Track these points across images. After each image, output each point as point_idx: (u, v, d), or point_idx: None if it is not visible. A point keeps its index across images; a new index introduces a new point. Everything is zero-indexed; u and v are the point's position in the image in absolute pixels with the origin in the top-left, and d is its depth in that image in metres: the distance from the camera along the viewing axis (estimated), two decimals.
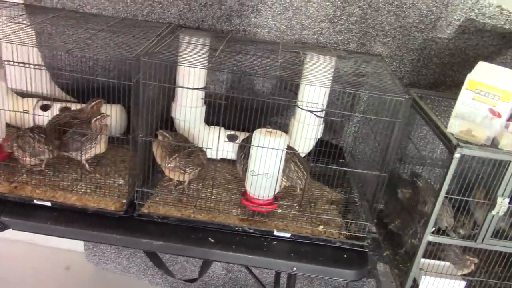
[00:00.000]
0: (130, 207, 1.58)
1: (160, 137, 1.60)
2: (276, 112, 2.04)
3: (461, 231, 1.71)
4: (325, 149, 1.77)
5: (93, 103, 1.75)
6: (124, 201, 1.59)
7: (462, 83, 1.53)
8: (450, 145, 1.40)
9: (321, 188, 1.87)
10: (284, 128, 1.95)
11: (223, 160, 1.93)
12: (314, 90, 1.48)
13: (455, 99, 1.61)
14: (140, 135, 1.45)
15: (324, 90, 1.61)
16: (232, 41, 1.74)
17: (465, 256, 1.60)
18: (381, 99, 1.43)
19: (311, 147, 1.83)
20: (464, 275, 1.62)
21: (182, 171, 1.61)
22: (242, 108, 1.68)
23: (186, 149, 1.64)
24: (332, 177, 1.82)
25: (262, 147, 1.44)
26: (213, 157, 1.84)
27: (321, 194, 1.82)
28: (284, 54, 1.64)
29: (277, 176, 1.52)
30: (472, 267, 1.62)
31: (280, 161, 1.49)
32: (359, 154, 2.02)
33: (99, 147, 1.68)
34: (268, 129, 1.56)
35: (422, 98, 1.82)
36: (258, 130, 1.53)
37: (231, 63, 1.45)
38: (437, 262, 1.62)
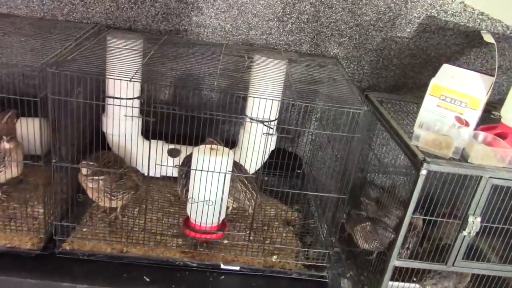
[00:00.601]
0: (50, 242, 1.34)
1: (84, 171, 1.34)
2: (227, 119, 1.82)
3: (425, 244, 1.57)
4: (277, 160, 1.58)
5: (5, 117, 1.48)
6: (42, 236, 1.34)
7: (424, 85, 1.38)
8: (415, 160, 1.23)
9: (276, 206, 1.68)
10: (237, 136, 1.75)
11: (165, 178, 1.70)
12: (260, 101, 1.28)
13: (418, 104, 1.46)
14: (54, 160, 1.21)
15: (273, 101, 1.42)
16: (167, 44, 1.51)
17: None
18: (337, 110, 1.25)
19: (263, 161, 1.63)
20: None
21: (109, 197, 1.37)
22: (188, 116, 1.43)
23: (117, 169, 1.41)
24: (288, 193, 1.64)
25: (201, 170, 1.23)
26: (155, 175, 1.61)
27: (276, 214, 1.63)
28: (227, 58, 1.43)
29: (221, 201, 1.31)
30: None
31: (224, 184, 1.28)
32: (317, 163, 1.84)
33: (10, 171, 1.41)
34: (211, 145, 1.35)
35: (383, 102, 1.67)
36: (198, 148, 1.32)
37: (162, 72, 1.23)
38: (406, 284, 1.46)
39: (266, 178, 1.78)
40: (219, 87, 1.16)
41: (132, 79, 1.13)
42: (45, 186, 1.28)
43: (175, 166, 1.44)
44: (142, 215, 1.48)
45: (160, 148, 1.65)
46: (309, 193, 1.65)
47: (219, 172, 1.23)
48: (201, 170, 1.23)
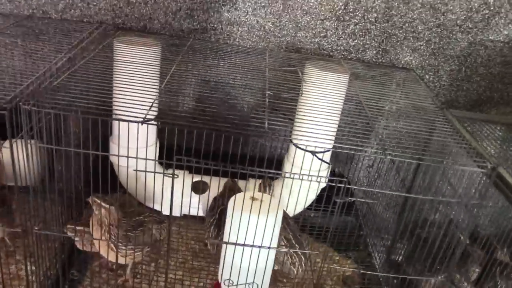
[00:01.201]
0: None
1: (99, 210, 1.00)
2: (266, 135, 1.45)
3: None
4: (329, 193, 1.23)
5: None
6: None
7: None
8: None
9: (328, 255, 1.33)
10: (275, 152, 1.39)
11: (189, 217, 1.36)
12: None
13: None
14: (36, 228, 0.87)
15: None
16: (192, 52, 1.15)
17: None
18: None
19: (311, 201, 1.29)
20: None
21: (112, 247, 1.03)
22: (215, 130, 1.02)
23: (133, 216, 1.08)
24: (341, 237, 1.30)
25: (238, 244, 0.88)
26: (175, 213, 1.27)
27: (328, 268, 1.28)
28: (273, 75, 1.06)
29: (265, 274, 0.97)
30: None
31: (269, 252, 0.93)
32: (374, 194, 1.48)
33: None
34: (252, 194, 0.99)
35: (461, 121, 1.30)
36: (234, 200, 0.96)
37: (183, 99, 0.87)
38: None
39: (312, 215, 1.43)
40: (271, 130, 0.80)
41: (142, 122, 0.79)
42: (26, 258, 0.94)
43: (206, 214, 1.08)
44: (160, 273, 1.15)
45: (183, 181, 1.31)
46: (400, 276, 1.25)
47: (269, 248, 0.88)
48: (239, 244, 0.87)
